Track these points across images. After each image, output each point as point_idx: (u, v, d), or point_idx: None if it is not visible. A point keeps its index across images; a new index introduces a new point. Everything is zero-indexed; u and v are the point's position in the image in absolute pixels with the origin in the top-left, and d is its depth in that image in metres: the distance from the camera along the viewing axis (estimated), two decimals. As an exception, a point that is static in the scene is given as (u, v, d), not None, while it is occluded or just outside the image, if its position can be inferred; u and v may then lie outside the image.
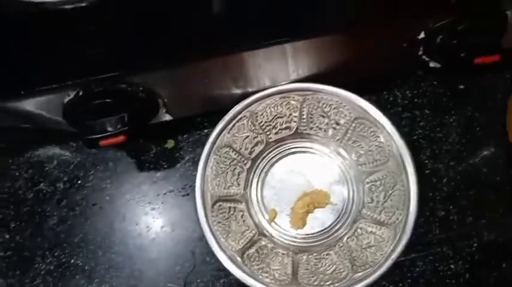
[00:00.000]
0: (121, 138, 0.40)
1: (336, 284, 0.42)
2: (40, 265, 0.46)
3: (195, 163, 0.49)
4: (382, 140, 0.44)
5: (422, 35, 0.41)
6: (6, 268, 0.46)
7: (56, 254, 0.46)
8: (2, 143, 0.50)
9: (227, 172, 0.45)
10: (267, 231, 0.46)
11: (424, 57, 0.43)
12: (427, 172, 0.48)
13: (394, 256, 0.41)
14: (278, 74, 0.44)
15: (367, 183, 0.45)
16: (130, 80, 0.40)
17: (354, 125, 0.45)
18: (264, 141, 0.47)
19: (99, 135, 0.39)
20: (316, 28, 0.39)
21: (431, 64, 0.44)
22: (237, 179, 0.46)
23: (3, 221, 0.47)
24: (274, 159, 0.48)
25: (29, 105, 0.41)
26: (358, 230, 0.44)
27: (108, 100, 0.39)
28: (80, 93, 0.39)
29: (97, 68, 0.39)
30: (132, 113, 0.40)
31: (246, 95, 0.45)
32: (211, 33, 0.39)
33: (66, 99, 0.40)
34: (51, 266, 0.46)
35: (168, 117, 0.45)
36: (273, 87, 0.44)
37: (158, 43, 0.39)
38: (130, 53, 0.39)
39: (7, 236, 0.47)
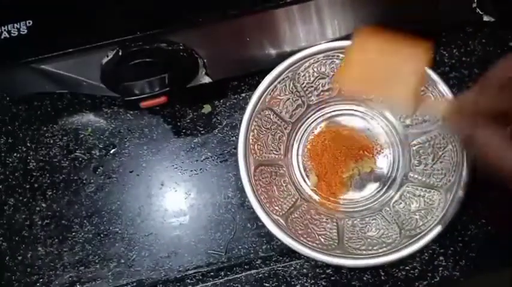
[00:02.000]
0: (162, 99, 0.38)
1: (385, 249, 0.40)
2: (78, 233, 0.46)
3: (233, 128, 0.47)
4: (432, 98, 0.42)
5: (478, -16, 0.39)
6: (44, 236, 0.46)
7: (94, 222, 0.46)
8: (36, 110, 0.49)
9: (268, 136, 0.44)
10: (310, 196, 0.44)
11: (478, 9, 0.41)
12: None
13: (446, 219, 0.39)
14: (317, 32, 0.42)
15: (415, 145, 0.44)
16: (171, 39, 0.38)
17: (401, 84, 0.43)
18: (305, 104, 0.45)
19: (140, 97, 0.38)
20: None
21: (485, 18, 0.41)
22: (277, 144, 0.45)
23: (39, 189, 0.47)
24: (315, 123, 0.46)
25: (66, 67, 0.40)
26: (406, 193, 0.43)
27: (148, 59, 0.38)
28: (120, 53, 0.38)
29: (136, 26, 0.37)
30: (173, 74, 0.39)
31: (283, 56, 0.43)
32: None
33: (105, 60, 0.39)
34: (90, 234, 0.46)
35: (207, 79, 0.43)
36: (317, 45, 0.42)
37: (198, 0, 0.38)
38: (170, 10, 0.38)
39: (44, 205, 0.46)
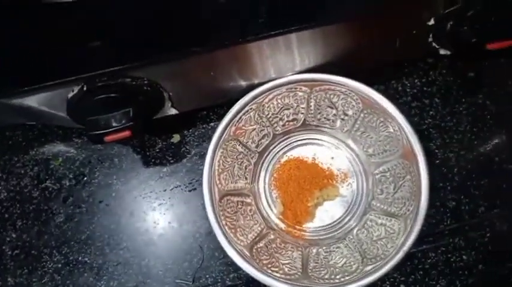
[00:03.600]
0: (126, 133, 0.39)
1: (347, 277, 0.41)
2: (48, 263, 0.46)
3: (202, 157, 0.48)
4: (391, 130, 0.43)
5: (432, 22, 0.40)
6: (13, 266, 0.46)
7: (63, 252, 0.46)
8: (7, 140, 0.49)
9: (234, 166, 0.45)
10: (276, 225, 0.45)
11: (434, 44, 0.42)
12: (437, 161, 0.47)
13: (406, 247, 0.40)
14: (284, 64, 0.43)
15: (377, 174, 0.45)
16: (135, 74, 0.39)
17: (362, 115, 0.44)
18: (271, 134, 0.46)
19: (104, 131, 0.39)
20: (322, 17, 0.39)
21: (442, 51, 0.43)
22: (244, 173, 0.45)
23: (10, 219, 0.47)
24: (281, 152, 0.47)
25: (33, 101, 0.41)
26: (368, 222, 0.44)
27: (112, 95, 0.39)
28: (84, 88, 0.39)
29: (101, 62, 0.38)
30: (138, 108, 0.40)
31: (252, 87, 0.44)
32: (215, 24, 0.39)
33: (70, 94, 0.39)
34: (59, 264, 0.46)
35: (173, 111, 0.44)
36: (280, 78, 0.43)
37: (162, 36, 0.39)
38: (133, 47, 0.39)
39: (14, 235, 0.47)
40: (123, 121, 0.39)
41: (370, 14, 0.39)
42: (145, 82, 0.40)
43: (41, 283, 0.45)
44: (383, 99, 0.42)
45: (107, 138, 0.39)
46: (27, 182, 0.48)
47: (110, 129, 0.39)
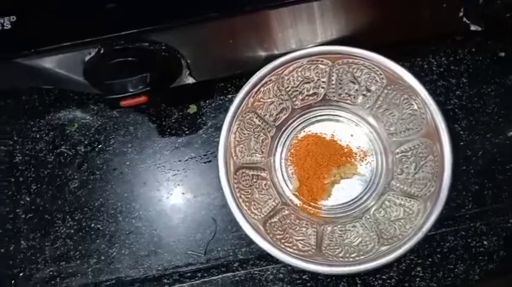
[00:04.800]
0: (143, 99, 0.38)
1: (362, 257, 0.40)
2: (61, 228, 0.46)
3: (218, 129, 0.47)
4: (415, 107, 0.41)
5: (464, -6, 0.38)
6: (27, 230, 0.46)
7: (76, 217, 0.46)
8: (24, 104, 0.49)
9: (251, 139, 0.44)
10: (291, 201, 0.44)
11: (464, 19, 0.40)
12: (462, 143, 0.45)
13: (425, 229, 0.39)
14: (306, 35, 0.42)
15: (398, 153, 0.43)
16: (153, 39, 0.38)
17: (386, 91, 0.43)
18: (290, 108, 0.45)
19: (121, 95, 0.38)
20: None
21: (472, 27, 0.41)
22: (260, 147, 0.44)
23: (24, 183, 0.47)
24: (299, 127, 0.46)
25: (50, 63, 0.40)
26: (386, 202, 0.42)
27: (130, 59, 0.38)
28: (101, 51, 0.38)
29: (119, 24, 0.37)
30: (155, 73, 0.39)
31: (271, 59, 0.43)
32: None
33: (87, 57, 0.39)
34: (72, 229, 0.46)
35: (191, 80, 0.43)
36: (302, 49, 0.42)
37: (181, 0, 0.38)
38: (153, 9, 0.38)
39: (28, 199, 0.47)
40: (140, 87, 0.39)
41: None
42: (163, 48, 0.39)
43: (53, 247, 0.46)
44: (409, 76, 0.41)
45: (124, 103, 0.38)
46: (43, 146, 0.48)
47: (127, 94, 0.38)
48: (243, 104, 0.42)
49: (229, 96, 0.48)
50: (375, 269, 0.40)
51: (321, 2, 0.38)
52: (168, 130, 0.47)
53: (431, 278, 0.42)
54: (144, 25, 0.37)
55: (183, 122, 0.48)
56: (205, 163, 0.47)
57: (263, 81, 0.42)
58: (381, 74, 0.42)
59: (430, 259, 0.42)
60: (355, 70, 0.43)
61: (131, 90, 0.39)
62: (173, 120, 0.48)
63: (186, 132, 0.47)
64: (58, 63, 0.40)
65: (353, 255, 0.40)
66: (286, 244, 0.41)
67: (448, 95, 0.46)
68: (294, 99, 0.45)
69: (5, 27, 0.38)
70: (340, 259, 0.40)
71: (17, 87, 0.46)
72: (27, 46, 0.38)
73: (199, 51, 0.41)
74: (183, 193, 0.46)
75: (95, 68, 0.39)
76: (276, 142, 0.45)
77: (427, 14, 0.40)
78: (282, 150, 0.45)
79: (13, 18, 0.38)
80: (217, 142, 0.46)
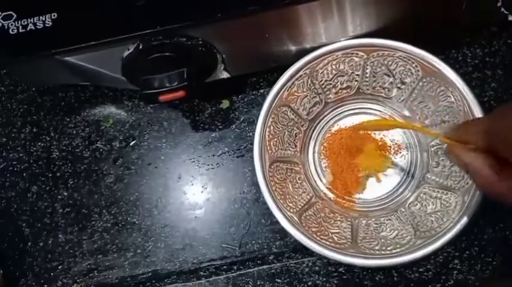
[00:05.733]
0: (180, 93, 0.39)
1: (399, 250, 0.40)
2: (97, 222, 0.47)
3: (250, 124, 0.47)
4: (452, 99, 0.41)
5: (505, -18, 0.38)
6: (64, 224, 0.47)
7: (112, 212, 0.47)
8: (60, 101, 0.50)
9: (284, 133, 0.44)
10: (325, 194, 0.44)
11: (502, 9, 0.40)
12: (498, 136, 0.44)
13: (463, 222, 0.38)
14: (337, 29, 0.42)
15: (433, 146, 0.43)
16: (190, 34, 0.39)
17: (421, 84, 0.42)
18: (323, 101, 0.45)
19: (159, 90, 0.39)
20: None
21: (510, 17, 0.40)
22: (294, 141, 0.45)
23: (61, 178, 0.48)
24: (332, 121, 0.46)
25: (88, 60, 0.41)
26: (422, 195, 0.42)
27: (167, 54, 0.39)
28: (140, 47, 0.39)
29: (157, 20, 0.38)
30: (192, 68, 0.39)
31: (302, 53, 0.43)
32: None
33: (126, 53, 0.40)
34: (108, 223, 0.47)
35: (225, 74, 0.44)
36: (336, 43, 0.42)
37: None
38: (190, 5, 0.38)
39: (65, 193, 0.48)
40: (177, 82, 0.39)
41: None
42: (200, 42, 0.39)
43: (90, 240, 0.46)
44: (446, 67, 0.40)
45: (161, 98, 0.39)
46: (79, 142, 0.49)
47: (165, 89, 0.39)
48: (278, 97, 0.42)
49: (261, 91, 0.48)
50: (412, 262, 0.40)
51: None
52: (202, 125, 0.48)
53: (469, 270, 0.41)
54: (182, 20, 0.38)
55: (216, 117, 0.48)
56: (238, 157, 0.47)
57: (297, 75, 0.42)
58: (416, 66, 0.42)
59: (467, 252, 0.42)
60: (390, 63, 0.42)
61: (168, 85, 0.39)
62: (206, 115, 0.48)
63: (219, 127, 0.48)
64: (96, 60, 0.41)
65: (389, 248, 0.40)
66: (321, 236, 0.41)
67: (483, 87, 0.45)
68: (328, 92, 0.45)
69: (46, 25, 0.38)
70: (377, 251, 0.40)
71: (53, 84, 0.47)
72: (68, 43, 0.39)
73: (234, 46, 0.41)
74: (216, 187, 0.46)
75: (132, 64, 0.40)
76: (309, 136, 0.45)
77: (464, 3, 0.39)
78: (315, 144, 0.46)
79: (54, 16, 0.38)
80: (250, 137, 0.47)
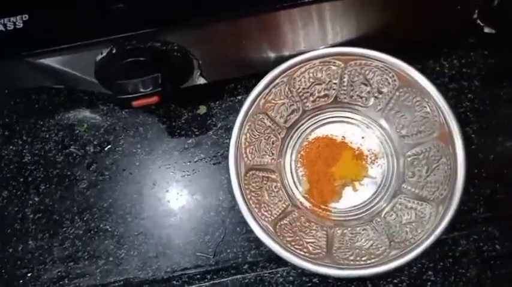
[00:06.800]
0: (154, 99, 0.38)
1: (373, 260, 0.39)
2: (69, 229, 0.46)
3: (228, 130, 0.47)
4: (428, 110, 0.41)
5: (479, -4, 0.38)
6: (35, 230, 0.46)
7: (85, 218, 0.46)
8: (33, 104, 0.49)
9: (261, 140, 0.43)
10: (301, 203, 0.44)
11: (478, 21, 0.40)
12: (473, 147, 0.45)
13: (437, 233, 0.38)
14: (316, 37, 0.42)
15: (409, 156, 0.43)
16: (165, 39, 0.38)
17: (398, 93, 0.42)
18: (300, 109, 0.45)
19: (133, 95, 0.38)
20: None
21: (486, 30, 0.41)
22: (270, 149, 0.44)
23: (33, 183, 0.47)
24: (309, 129, 0.45)
25: (61, 62, 0.40)
26: (398, 205, 0.42)
27: (142, 59, 0.38)
28: (113, 51, 0.38)
29: (131, 24, 0.37)
30: (166, 74, 0.38)
31: (280, 60, 0.43)
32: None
33: (99, 57, 0.39)
34: (80, 230, 0.46)
35: (202, 80, 0.43)
36: (314, 51, 0.42)
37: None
38: (166, 9, 0.37)
39: (37, 199, 0.47)
40: (152, 87, 0.38)
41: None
42: (176, 48, 0.39)
43: (61, 247, 0.45)
44: (422, 78, 0.40)
45: (135, 103, 0.38)
46: (52, 146, 0.48)
47: (139, 94, 0.38)
48: (254, 105, 0.42)
49: (239, 97, 0.48)
50: (386, 273, 0.40)
51: (332, 4, 0.38)
52: (178, 131, 0.47)
53: (443, 282, 0.41)
54: (157, 25, 0.37)
55: (193, 123, 0.47)
56: (214, 164, 0.46)
57: (275, 83, 0.42)
58: (393, 76, 0.42)
59: (441, 263, 0.41)
60: (367, 72, 0.42)
61: (142, 90, 0.39)
62: (183, 121, 0.47)
63: (196, 133, 0.47)
64: (69, 63, 0.40)
65: (364, 258, 0.40)
66: (296, 246, 0.40)
67: (459, 98, 0.45)
68: (305, 100, 0.44)
69: (17, 26, 0.37)
70: (351, 262, 0.40)
71: (26, 87, 0.46)
72: (39, 45, 0.38)
73: (210, 52, 0.41)
74: (192, 194, 0.46)
75: (106, 68, 0.39)
76: (286, 144, 0.45)
77: (440, 15, 0.40)
78: (292, 152, 0.45)
79: (25, 17, 0.37)
80: (227, 143, 0.46)
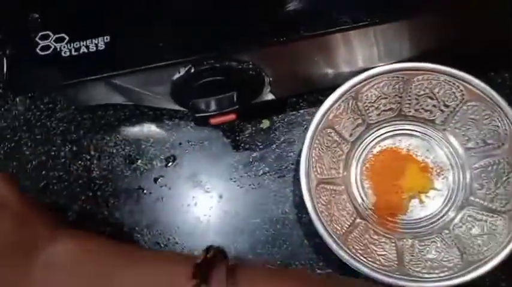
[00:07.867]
0: (231, 116, 0.39)
1: (446, 273, 0.40)
2: (139, 242, 0.47)
3: (291, 144, 0.48)
4: (497, 123, 0.41)
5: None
6: (105, 243, 0.47)
7: (154, 231, 0.47)
8: (99, 120, 0.50)
9: (328, 154, 0.44)
10: (368, 215, 0.44)
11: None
12: (539, 158, 0.45)
13: (511, 246, 0.39)
14: (381, 53, 0.43)
15: (476, 169, 0.43)
16: (241, 58, 0.39)
17: (465, 107, 0.43)
18: (365, 122, 0.45)
19: (211, 113, 0.39)
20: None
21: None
22: (337, 162, 0.45)
23: (102, 197, 0.48)
24: (374, 142, 0.46)
25: (137, 82, 0.41)
26: (466, 217, 0.42)
27: (218, 78, 0.39)
28: (192, 70, 0.39)
29: (210, 44, 0.38)
30: (242, 91, 0.40)
31: (341, 76, 0.43)
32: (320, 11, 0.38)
33: (176, 76, 0.40)
34: (150, 243, 0.47)
35: (271, 96, 0.44)
36: (382, 66, 0.42)
37: (270, 20, 0.38)
38: (242, 31, 0.38)
39: (106, 213, 0.48)
40: (227, 105, 0.40)
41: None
42: (250, 66, 0.40)
43: (131, 260, 0.46)
44: (491, 91, 0.41)
45: (213, 121, 0.39)
46: (119, 161, 0.49)
47: (216, 112, 0.39)
48: (324, 119, 0.43)
49: (301, 111, 0.48)
50: (459, 286, 0.40)
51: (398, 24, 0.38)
52: (242, 145, 0.48)
53: (516, 294, 0.41)
54: (234, 46, 0.38)
55: (257, 137, 0.48)
56: (279, 177, 0.47)
57: (344, 97, 0.43)
58: (461, 89, 0.42)
59: (515, 275, 0.42)
60: (433, 86, 0.43)
61: (217, 108, 0.40)
62: (247, 135, 0.48)
63: (260, 147, 0.48)
64: (144, 82, 0.41)
65: (436, 271, 0.40)
66: (368, 258, 0.41)
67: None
68: (370, 114, 0.45)
69: (99, 48, 0.39)
70: (425, 275, 0.40)
71: (96, 104, 0.48)
72: (121, 66, 0.39)
73: (282, 69, 0.42)
74: (258, 207, 0.46)
75: (183, 87, 0.40)
76: (351, 157, 0.46)
77: (502, 26, 0.40)
78: (357, 165, 0.46)
79: (107, 39, 0.39)
80: (291, 157, 0.47)
